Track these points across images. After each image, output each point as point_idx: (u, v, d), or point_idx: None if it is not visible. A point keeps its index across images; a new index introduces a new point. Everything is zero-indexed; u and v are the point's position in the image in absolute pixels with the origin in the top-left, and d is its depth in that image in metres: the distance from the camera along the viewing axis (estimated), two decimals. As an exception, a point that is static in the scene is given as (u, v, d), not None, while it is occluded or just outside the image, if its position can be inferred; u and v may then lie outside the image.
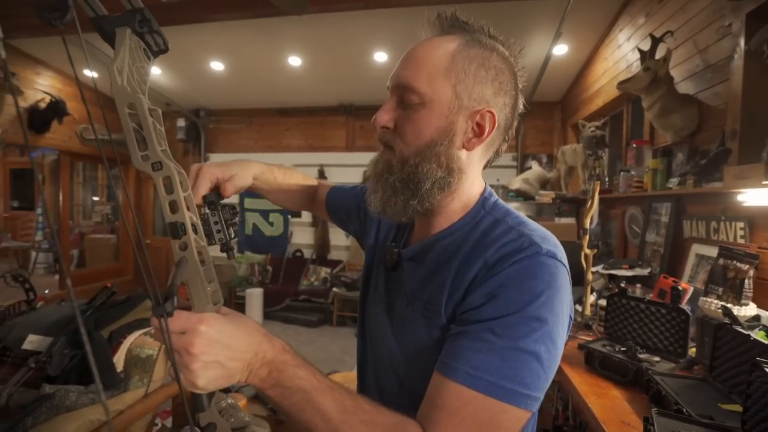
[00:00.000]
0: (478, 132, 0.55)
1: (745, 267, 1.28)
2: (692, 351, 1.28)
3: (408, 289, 0.60)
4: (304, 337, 4.11)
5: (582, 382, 1.21)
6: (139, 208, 5.75)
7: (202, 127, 5.39)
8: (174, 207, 0.42)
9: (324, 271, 4.84)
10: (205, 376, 0.42)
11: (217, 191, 0.67)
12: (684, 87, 2.05)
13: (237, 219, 0.58)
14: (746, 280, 1.28)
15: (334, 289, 4.44)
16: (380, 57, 3.77)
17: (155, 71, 4.33)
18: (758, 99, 1.62)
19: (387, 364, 0.62)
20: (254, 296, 4.55)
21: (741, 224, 1.49)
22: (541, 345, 0.46)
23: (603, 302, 1.64)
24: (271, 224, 5.23)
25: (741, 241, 1.49)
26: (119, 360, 1.45)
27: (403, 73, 0.56)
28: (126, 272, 5.64)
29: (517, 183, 3.62)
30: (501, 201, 0.61)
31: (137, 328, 1.56)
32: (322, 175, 5.06)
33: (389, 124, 0.57)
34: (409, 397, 0.51)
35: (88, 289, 4.31)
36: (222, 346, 0.43)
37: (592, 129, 2.87)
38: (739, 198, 1.40)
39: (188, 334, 0.42)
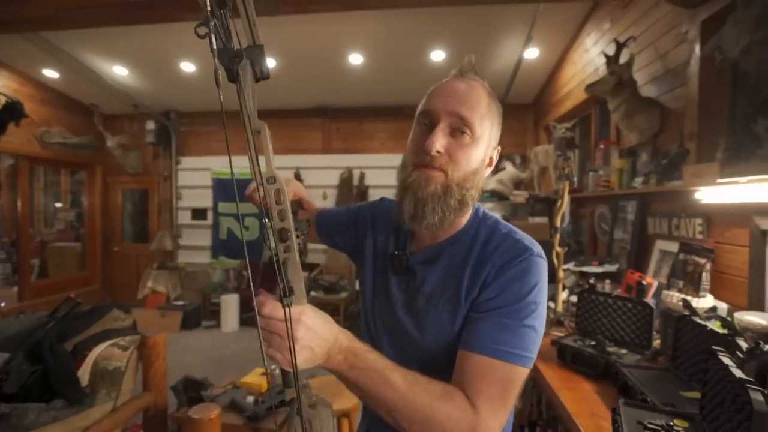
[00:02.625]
0: (489, 163, 0.71)
1: (703, 261, 1.34)
2: (657, 342, 1.34)
3: (426, 289, 0.71)
4: (283, 342, 4.05)
5: (555, 377, 1.24)
6: (107, 214, 5.52)
7: (172, 130, 5.23)
8: (282, 215, 0.49)
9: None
10: (300, 358, 0.50)
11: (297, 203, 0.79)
12: (646, 90, 2.14)
13: (306, 230, 0.68)
14: (704, 274, 1.35)
15: (312, 292, 4.39)
16: (355, 59, 3.77)
17: (122, 72, 4.17)
18: (713, 102, 1.71)
19: (410, 354, 0.71)
20: (230, 302, 4.45)
21: (699, 220, 1.57)
22: (536, 321, 0.62)
23: (574, 298, 1.70)
24: (247, 228, 5.12)
25: (699, 236, 1.57)
26: (84, 374, 1.38)
27: (460, 110, 0.65)
28: (93, 281, 5.39)
29: (491, 184, 3.69)
30: (487, 210, 0.76)
31: (104, 339, 1.50)
32: (298, 177, 5.00)
33: (443, 150, 0.65)
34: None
35: (52, 300, 4.09)
36: (314, 334, 0.51)
37: (563, 130, 2.96)
38: (697, 195, 1.48)
39: (292, 322, 0.49)
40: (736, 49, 1.21)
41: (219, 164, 5.17)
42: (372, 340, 0.78)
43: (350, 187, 4.88)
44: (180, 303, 4.68)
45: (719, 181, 1.29)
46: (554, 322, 1.67)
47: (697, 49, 1.70)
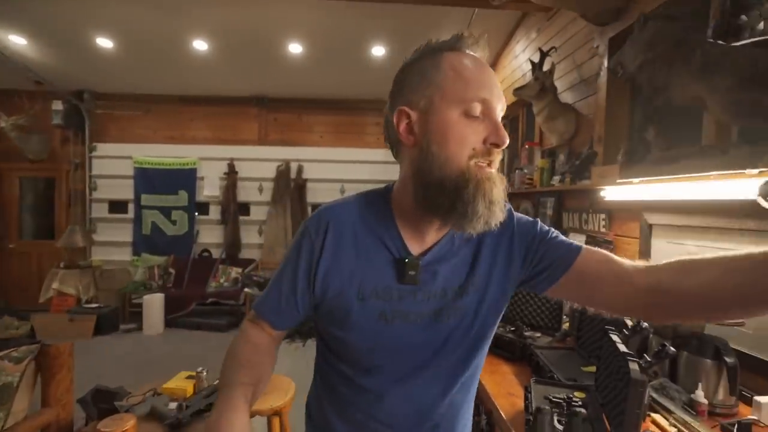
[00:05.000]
0: None
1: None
2: (567, 325, 1.48)
3: (454, 284, 0.65)
4: (213, 342, 3.84)
5: (478, 362, 1.33)
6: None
7: (86, 112, 4.68)
8: None
9: (235, 271, 4.56)
10: None
11: None
12: (565, 96, 2.34)
13: None
14: (606, 263, 1.52)
15: (246, 289, 4.22)
16: (295, 48, 3.66)
17: (19, 41, 3.63)
18: (617, 111, 1.92)
19: (453, 362, 0.66)
20: (154, 302, 4.11)
21: (603, 216, 1.77)
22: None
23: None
24: (174, 222, 4.77)
25: (603, 230, 1.76)
26: (-35, 388, 1.20)
27: (504, 103, 0.61)
28: (-17, 283, 4.67)
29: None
30: None
31: (-9, 348, 1.31)
32: (232, 169, 4.75)
33: None
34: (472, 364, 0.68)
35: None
36: None
37: (493, 131, 3.14)
38: (602, 194, 1.66)
39: None
40: (633, 66, 1.36)
41: (142, 152, 4.74)
42: (393, 378, 0.65)
43: (287, 180, 4.75)
44: (94, 305, 4.22)
45: (618, 181, 1.46)
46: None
47: (605, 62, 1.90)
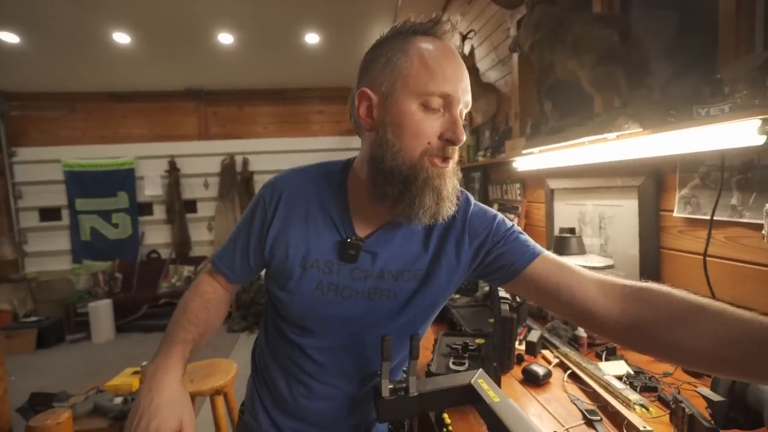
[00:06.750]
0: None
1: (512, 216, 1.68)
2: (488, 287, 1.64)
3: (392, 267, 0.67)
4: (170, 343, 3.78)
5: (406, 326, 1.45)
6: None
7: None
8: None
9: (187, 270, 4.47)
10: None
11: None
12: (488, 76, 2.49)
13: None
14: (517, 227, 1.70)
15: (201, 287, 4.16)
16: (225, 39, 3.56)
17: None
18: (530, 87, 2.09)
19: (369, 338, 0.68)
20: (101, 309, 3.96)
21: (518, 185, 1.94)
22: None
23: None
24: (116, 226, 4.56)
25: (519, 198, 1.94)
26: None
27: (468, 98, 0.61)
28: None
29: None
30: None
31: None
32: (174, 166, 4.59)
33: None
34: (404, 341, 0.65)
35: None
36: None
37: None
38: (514, 165, 1.82)
39: None
40: (525, 47, 1.51)
41: (71, 154, 4.46)
42: (325, 348, 0.70)
43: (233, 174, 4.67)
44: (33, 319, 4.00)
45: (523, 151, 1.62)
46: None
47: (515, 43, 2.05)
